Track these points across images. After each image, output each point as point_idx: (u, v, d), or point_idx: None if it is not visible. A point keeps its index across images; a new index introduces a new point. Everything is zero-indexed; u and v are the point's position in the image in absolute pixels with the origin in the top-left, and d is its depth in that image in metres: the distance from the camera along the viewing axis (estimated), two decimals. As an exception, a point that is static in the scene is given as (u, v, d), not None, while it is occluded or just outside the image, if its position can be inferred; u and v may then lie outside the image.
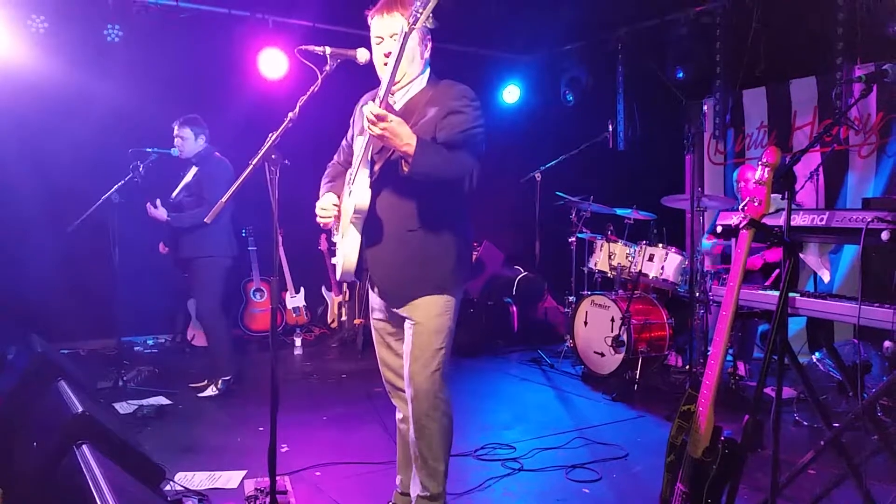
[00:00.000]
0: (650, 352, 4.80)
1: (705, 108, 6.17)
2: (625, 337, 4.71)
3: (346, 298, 6.59)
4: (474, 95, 2.36)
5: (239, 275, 5.74)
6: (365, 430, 3.88)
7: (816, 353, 3.93)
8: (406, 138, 2.11)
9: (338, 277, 2.50)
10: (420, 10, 1.97)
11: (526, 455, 3.49)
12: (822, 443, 2.55)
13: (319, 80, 2.34)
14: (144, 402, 4.33)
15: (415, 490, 2.52)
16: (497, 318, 6.41)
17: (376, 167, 2.35)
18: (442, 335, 2.41)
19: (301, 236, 6.33)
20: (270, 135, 2.35)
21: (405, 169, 2.15)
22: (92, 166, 5.22)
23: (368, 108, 2.09)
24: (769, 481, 2.19)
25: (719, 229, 2.91)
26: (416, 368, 2.40)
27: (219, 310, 4.63)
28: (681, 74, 6.11)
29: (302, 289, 6.56)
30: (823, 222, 2.50)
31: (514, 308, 6.48)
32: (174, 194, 4.70)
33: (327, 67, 2.36)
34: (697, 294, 4.52)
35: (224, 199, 2.37)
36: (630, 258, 5.02)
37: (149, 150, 4.54)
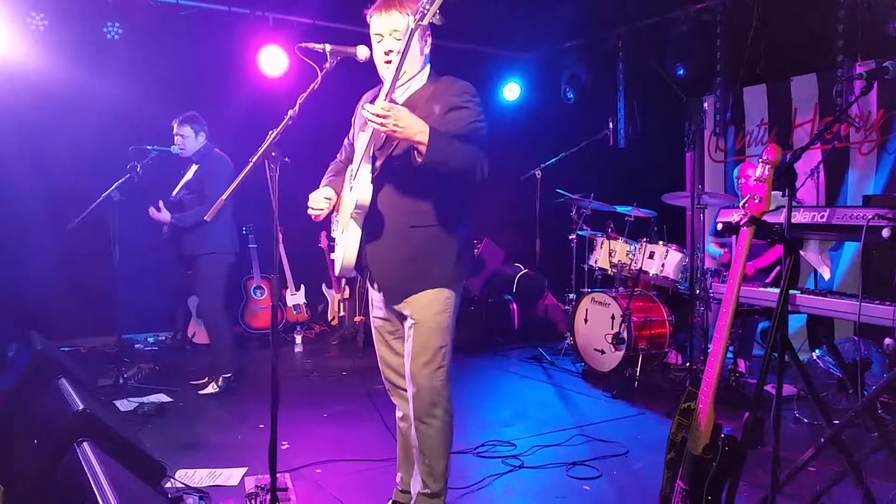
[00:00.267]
0: (650, 349, 4.80)
1: (706, 105, 6.17)
2: (625, 334, 4.71)
3: (347, 296, 6.60)
4: (475, 91, 2.36)
5: (240, 272, 5.74)
6: (365, 427, 3.88)
7: (817, 351, 3.93)
8: (418, 126, 2.09)
9: (336, 272, 2.49)
10: (427, 6, 1.97)
11: (526, 452, 3.49)
12: (822, 440, 2.55)
13: (319, 78, 2.34)
14: (145, 399, 4.33)
15: (415, 487, 2.52)
16: (497, 315, 6.41)
17: (378, 163, 2.35)
18: (443, 333, 2.41)
19: (301, 234, 6.33)
20: (270, 132, 2.35)
21: (418, 159, 2.12)
22: (92, 164, 5.21)
23: (371, 107, 2.06)
24: (769, 478, 2.19)
25: (720, 226, 2.91)
26: (418, 366, 2.40)
27: (221, 307, 4.64)
28: (681, 72, 6.10)
29: (302, 286, 6.56)
30: (824, 219, 2.50)
31: (515, 305, 6.48)
32: (175, 192, 4.70)
33: (327, 65, 2.35)
34: (698, 291, 4.52)
35: (224, 197, 2.36)
36: (630, 255, 5.02)
37: (149, 147, 4.55)
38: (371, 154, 2.34)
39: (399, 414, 2.68)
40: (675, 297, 5.18)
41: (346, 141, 2.70)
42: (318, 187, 2.59)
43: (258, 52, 5.99)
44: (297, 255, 6.51)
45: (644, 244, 4.94)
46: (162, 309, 6.31)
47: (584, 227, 5.56)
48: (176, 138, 4.58)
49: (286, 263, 6.47)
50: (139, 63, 5.61)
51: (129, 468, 2.28)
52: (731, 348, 4.58)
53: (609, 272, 5.21)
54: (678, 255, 4.77)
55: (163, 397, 4.43)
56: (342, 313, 6.62)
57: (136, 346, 6.11)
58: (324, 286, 6.76)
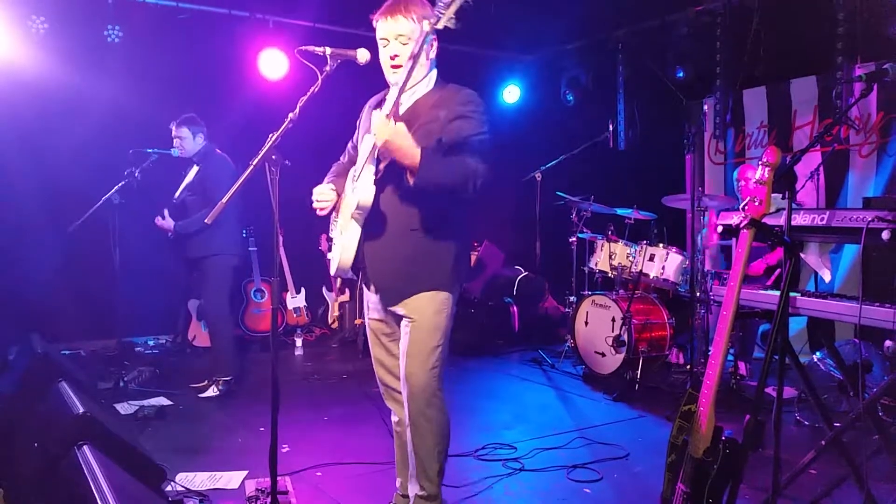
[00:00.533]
0: (651, 352, 4.80)
1: (705, 107, 6.17)
2: (625, 337, 4.71)
3: (347, 299, 6.59)
4: (480, 101, 2.37)
5: (242, 274, 5.74)
6: (366, 430, 3.88)
7: (817, 353, 3.93)
8: (410, 150, 2.13)
9: (332, 272, 2.49)
10: (443, 10, 1.98)
11: (527, 455, 3.49)
12: (823, 443, 2.55)
13: (320, 81, 2.34)
14: (145, 402, 4.33)
15: (413, 490, 2.52)
16: (498, 317, 6.41)
17: (381, 165, 2.35)
18: (439, 333, 2.41)
19: (302, 237, 6.33)
20: (271, 135, 2.35)
21: (410, 180, 2.17)
22: (92, 167, 5.21)
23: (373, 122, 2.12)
24: (770, 481, 2.19)
25: (720, 229, 2.91)
26: (414, 366, 2.40)
27: (224, 309, 4.64)
28: (681, 74, 6.10)
29: (303, 289, 6.56)
30: (824, 222, 2.50)
31: (515, 308, 6.48)
32: (177, 194, 4.70)
33: (327, 68, 2.36)
34: (698, 294, 4.52)
35: (224, 200, 2.37)
36: (631, 258, 5.02)
37: (149, 150, 4.55)
38: (375, 156, 2.34)
39: (395, 419, 2.68)
40: (676, 300, 5.18)
41: (349, 144, 2.70)
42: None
43: (258, 55, 5.99)
44: (298, 257, 6.51)
45: (644, 247, 4.94)
46: (162, 312, 6.30)
47: (585, 230, 5.56)
48: (174, 140, 4.59)
49: (286, 266, 6.47)
50: (139, 66, 5.61)
51: (129, 471, 2.28)
52: (731, 351, 4.58)
53: (609, 275, 5.21)
54: (678, 258, 4.77)
55: (163, 400, 4.43)
56: (342, 316, 6.62)
57: (137, 349, 6.10)
58: (324, 289, 6.76)
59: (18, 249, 5.42)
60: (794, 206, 2.52)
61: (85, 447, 2.11)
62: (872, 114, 5.15)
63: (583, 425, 4.02)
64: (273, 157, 2.35)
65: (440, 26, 2.02)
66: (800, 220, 2.58)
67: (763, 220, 2.10)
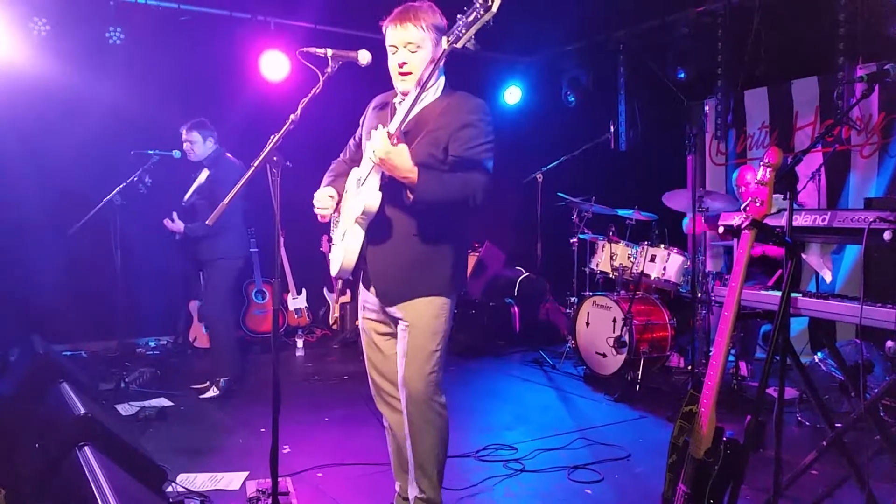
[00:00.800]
0: (652, 352, 4.80)
1: (707, 108, 6.17)
2: (627, 338, 4.70)
3: (349, 299, 6.59)
4: (488, 110, 2.37)
5: (243, 276, 5.74)
6: (367, 430, 3.88)
7: (818, 354, 3.92)
8: (408, 171, 2.15)
9: (333, 273, 2.49)
10: (463, 30, 1.99)
11: (528, 456, 3.49)
12: (824, 443, 2.55)
13: (321, 82, 2.34)
14: (146, 403, 4.33)
15: (412, 493, 2.52)
16: (499, 318, 6.40)
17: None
18: (437, 337, 2.41)
19: (303, 238, 6.33)
20: (272, 137, 2.35)
21: (410, 197, 2.19)
22: (94, 168, 5.22)
23: (373, 143, 2.13)
24: (771, 482, 2.19)
25: (721, 229, 2.91)
26: (412, 370, 2.39)
27: (224, 310, 4.65)
28: (682, 75, 6.11)
29: (304, 290, 6.56)
30: (825, 222, 2.50)
31: (516, 309, 6.48)
32: (186, 197, 4.71)
33: (329, 69, 2.36)
34: (699, 294, 4.52)
35: (226, 202, 2.36)
36: (632, 259, 5.02)
37: (150, 152, 4.56)
38: None
39: (386, 423, 2.67)
40: (677, 301, 5.18)
41: (351, 141, 2.70)
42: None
43: (260, 56, 5.99)
44: (299, 258, 6.51)
45: (645, 247, 4.94)
46: (163, 313, 6.31)
47: (586, 231, 5.56)
48: (184, 144, 4.60)
49: (287, 267, 6.47)
50: (141, 68, 5.62)
51: (130, 472, 2.28)
52: (732, 351, 4.57)
53: (610, 275, 5.21)
54: (679, 259, 4.77)
55: (164, 401, 4.43)
56: (339, 314, 6.62)
57: (138, 349, 6.10)
58: (325, 290, 6.76)
59: (20, 250, 5.43)
60: (795, 206, 2.52)
61: (86, 448, 2.12)
62: (874, 114, 5.15)
63: (584, 426, 4.01)
64: (274, 158, 2.35)
65: (459, 45, 2.02)
66: (801, 220, 2.57)
67: (764, 221, 2.10)
